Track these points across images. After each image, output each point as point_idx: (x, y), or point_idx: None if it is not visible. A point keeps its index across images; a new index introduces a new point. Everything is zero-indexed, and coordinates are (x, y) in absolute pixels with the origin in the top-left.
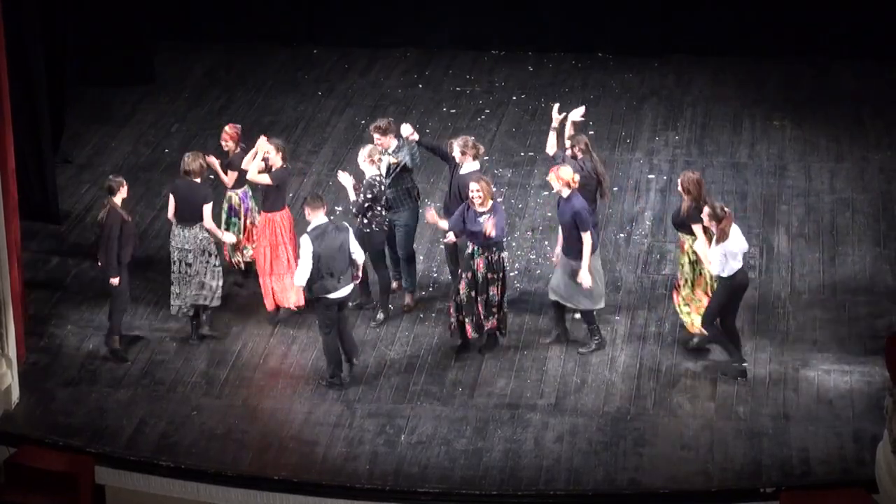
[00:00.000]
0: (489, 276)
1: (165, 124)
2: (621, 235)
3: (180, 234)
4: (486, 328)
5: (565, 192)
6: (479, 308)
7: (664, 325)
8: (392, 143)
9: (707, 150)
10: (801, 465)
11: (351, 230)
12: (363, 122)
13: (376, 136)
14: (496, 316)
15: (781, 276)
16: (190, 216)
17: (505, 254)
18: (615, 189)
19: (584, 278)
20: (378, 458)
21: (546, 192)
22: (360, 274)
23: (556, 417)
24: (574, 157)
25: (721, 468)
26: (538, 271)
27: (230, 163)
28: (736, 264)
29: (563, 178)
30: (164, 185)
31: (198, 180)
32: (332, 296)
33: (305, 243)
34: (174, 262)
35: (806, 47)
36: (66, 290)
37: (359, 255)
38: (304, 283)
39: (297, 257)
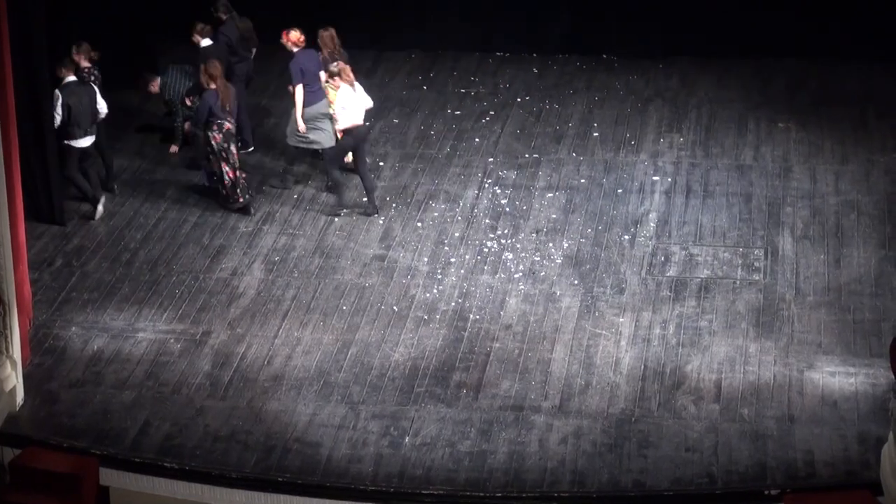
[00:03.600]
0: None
1: (170, 125)
2: (626, 237)
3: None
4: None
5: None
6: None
7: (669, 327)
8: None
9: (712, 151)
10: (805, 468)
11: (97, 89)
12: (367, 123)
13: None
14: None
15: (786, 278)
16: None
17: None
18: (619, 191)
19: (299, 124)
20: (382, 460)
21: (550, 195)
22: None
23: (560, 419)
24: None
25: (725, 470)
26: (542, 273)
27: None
28: (350, 117)
29: (290, 39)
30: (169, 186)
31: None
32: (77, 143)
33: (56, 96)
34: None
35: (811, 49)
36: (71, 291)
37: (102, 106)
38: (55, 128)
39: None
